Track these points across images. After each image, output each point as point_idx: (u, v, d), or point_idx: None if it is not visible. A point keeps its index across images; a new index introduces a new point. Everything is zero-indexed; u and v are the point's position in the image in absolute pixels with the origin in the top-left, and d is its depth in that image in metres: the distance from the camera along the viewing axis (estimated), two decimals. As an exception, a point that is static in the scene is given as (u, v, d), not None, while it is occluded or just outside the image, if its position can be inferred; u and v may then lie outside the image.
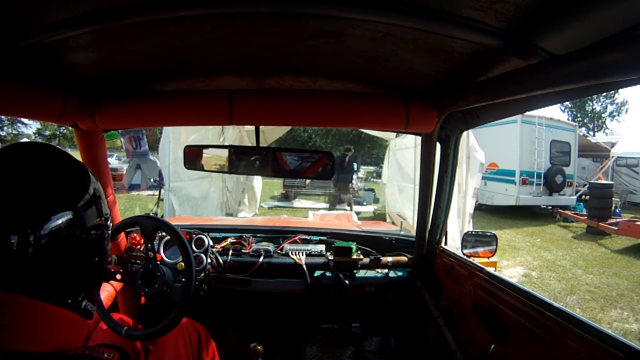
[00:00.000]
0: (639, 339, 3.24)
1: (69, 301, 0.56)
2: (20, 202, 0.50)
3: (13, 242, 0.48)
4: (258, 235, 1.79)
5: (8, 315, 0.47)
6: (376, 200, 9.92)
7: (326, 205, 9.26)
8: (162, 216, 4.14)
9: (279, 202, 10.36)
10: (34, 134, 29.09)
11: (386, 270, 1.61)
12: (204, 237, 1.60)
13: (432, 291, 1.49)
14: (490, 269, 1.22)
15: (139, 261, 1.51)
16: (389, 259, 1.62)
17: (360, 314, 1.76)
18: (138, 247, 1.58)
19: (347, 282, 1.53)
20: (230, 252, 1.63)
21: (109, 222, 0.62)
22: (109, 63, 0.99)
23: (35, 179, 0.53)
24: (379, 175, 12.87)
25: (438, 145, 1.36)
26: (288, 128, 7.66)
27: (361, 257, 1.60)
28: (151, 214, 2.45)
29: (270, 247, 1.67)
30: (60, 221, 0.51)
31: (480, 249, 1.61)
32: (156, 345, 1.19)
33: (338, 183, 7.68)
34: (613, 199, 7.87)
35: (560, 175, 8.54)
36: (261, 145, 1.37)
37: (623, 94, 24.84)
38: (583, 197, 9.32)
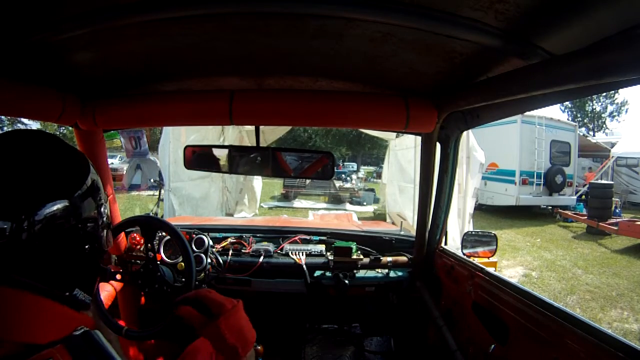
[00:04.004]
0: (639, 339, 3.24)
1: (58, 293, 0.54)
2: (17, 187, 0.50)
3: (6, 227, 0.48)
4: (258, 235, 1.79)
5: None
6: (376, 201, 9.92)
7: (326, 205, 9.26)
8: (162, 216, 4.14)
9: (279, 202, 10.36)
10: (34, 134, 29.05)
11: (386, 270, 1.61)
12: (204, 237, 1.60)
13: (432, 291, 1.49)
14: (490, 269, 1.22)
15: (139, 261, 1.51)
16: (389, 259, 1.62)
17: (360, 314, 1.76)
18: (138, 247, 1.58)
19: (347, 282, 1.53)
20: (230, 252, 1.63)
21: (103, 210, 0.61)
22: (109, 63, 0.99)
23: (34, 165, 0.53)
24: (379, 176, 12.88)
25: (438, 145, 1.36)
26: (288, 128, 7.65)
27: (361, 257, 1.60)
28: (151, 214, 2.46)
29: (270, 247, 1.67)
30: (55, 208, 0.51)
31: (480, 249, 1.61)
32: None
33: None
34: (613, 199, 7.87)
35: (560, 175, 8.54)
36: (261, 145, 1.37)
37: (623, 94, 24.84)
38: (582, 197, 9.32)
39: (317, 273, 1.58)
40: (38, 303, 0.51)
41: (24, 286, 0.50)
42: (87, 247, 0.58)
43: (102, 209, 0.60)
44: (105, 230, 0.62)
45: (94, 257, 0.61)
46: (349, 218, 4.17)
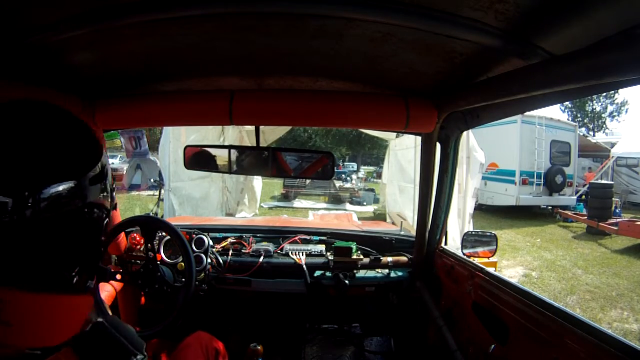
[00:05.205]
0: (639, 339, 3.24)
1: (62, 281, 0.52)
2: (25, 162, 0.47)
3: (8, 202, 0.44)
4: (258, 235, 1.79)
5: (9, 312, 0.45)
6: (376, 201, 9.92)
7: (326, 205, 9.25)
8: (162, 216, 4.13)
9: (279, 202, 10.36)
10: (34, 134, 29.03)
11: (386, 270, 1.61)
12: (204, 237, 1.60)
13: (432, 291, 1.49)
14: (490, 269, 1.22)
15: (139, 261, 1.51)
16: (389, 259, 1.62)
17: (360, 314, 1.76)
18: (138, 247, 1.58)
19: (347, 282, 1.53)
20: (230, 252, 1.63)
21: (110, 196, 0.58)
22: (109, 63, 0.99)
23: (45, 140, 0.49)
24: (379, 176, 12.88)
25: (438, 145, 1.36)
26: (288, 128, 7.65)
27: (361, 257, 1.61)
28: (151, 214, 2.46)
29: (270, 247, 1.67)
30: (61, 188, 0.48)
31: (480, 249, 1.61)
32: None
33: None
34: (613, 199, 7.87)
35: (560, 175, 8.54)
36: (261, 145, 1.37)
37: (623, 94, 24.79)
38: (582, 197, 9.32)
39: (317, 273, 1.58)
40: (48, 302, 0.49)
41: (35, 289, 0.48)
42: (91, 231, 0.55)
43: (110, 194, 0.58)
44: (110, 216, 0.60)
45: (97, 241, 0.58)
46: (349, 218, 4.17)
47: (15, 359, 0.44)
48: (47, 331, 0.48)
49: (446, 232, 1.53)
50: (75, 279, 0.54)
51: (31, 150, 0.48)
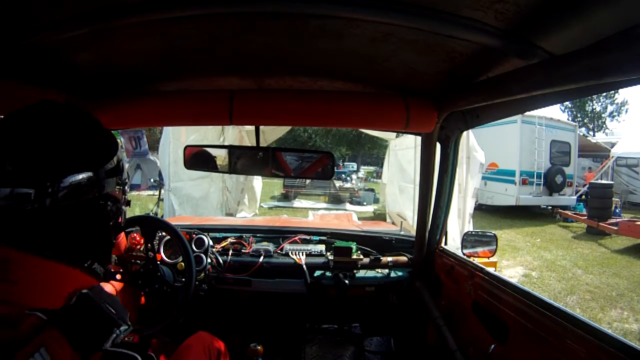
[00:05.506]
0: (639, 339, 3.24)
1: (78, 261, 0.57)
2: (45, 155, 0.52)
3: (31, 193, 0.50)
4: (258, 235, 1.79)
5: (17, 272, 0.49)
6: (376, 201, 9.92)
7: (326, 205, 9.25)
8: (162, 216, 4.13)
9: (279, 202, 10.36)
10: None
11: (386, 270, 1.61)
12: (204, 237, 1.60)
13: (432, 291, 1.49)
14: (490, 269, 1.22)
15: (139, 261, 1.51)
16: (389, 259, 1.62)
17: (360, 314, 1.76)
18: (138, 247, 1.58)
19: (347, 282, 1.53)
20: (230, 252, 1.63)
21: (124, 189, 0.64)
22: (109, 63, 0.99)
23: (64, 135, 0.56)
24: (379, 176, 12.89)
25: (438, 145, 1.36)
26: (288, 128, 7.64)
27: (361, 257, 1.61)
28: (151, 214, 2.46)
29: (270, 247, 1.67)
30: (80, 178, 0.54)
31: (480, 249, 1.61)
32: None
33: None
34: (613, 199, 7.87)
35: (560, 175, 8.53)
36: (261, 145, 1.37)
37: (623, 94, 24.74)
38: (582, 197, 9.31)
39: (317, 273, 1.58)
40: (63, 270, 0.54)
41: (46, 255, 0.52)
42: (106, 220, 0.61)
43: (124, 188, 0.64)
44: (124, 209, 0.66)
45: (112, 231, 0.63)
46: (349, 218, 4.17)
47: (14, 321, 0.46)
48: (51, 295, 0.51)
49: (446, 232, 1.53)
50: (89, 264, 0.59)
51: (51, 144, 0.54)
